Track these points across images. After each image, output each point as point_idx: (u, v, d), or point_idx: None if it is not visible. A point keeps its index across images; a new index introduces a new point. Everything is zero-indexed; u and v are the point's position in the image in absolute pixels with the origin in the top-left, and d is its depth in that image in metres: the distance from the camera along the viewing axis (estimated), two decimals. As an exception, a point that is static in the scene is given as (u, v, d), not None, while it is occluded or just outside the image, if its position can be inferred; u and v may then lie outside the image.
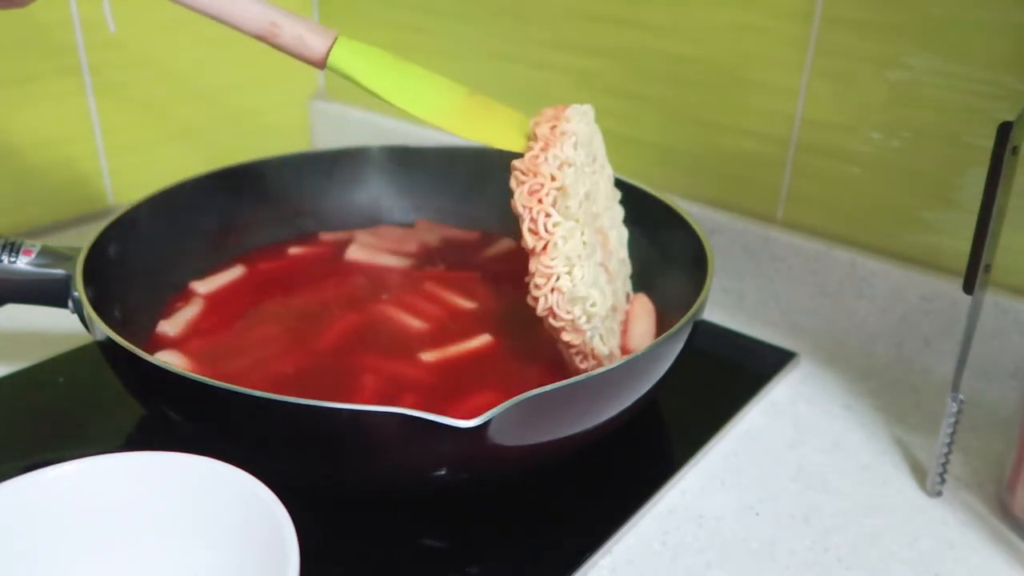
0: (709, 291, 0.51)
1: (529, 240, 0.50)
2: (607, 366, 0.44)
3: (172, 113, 0.84)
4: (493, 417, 0.39)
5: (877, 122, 0.61)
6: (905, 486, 0.52)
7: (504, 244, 0.70)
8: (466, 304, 0.61)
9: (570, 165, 0.50)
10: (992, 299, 0.58)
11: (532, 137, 0.52)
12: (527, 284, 0.50)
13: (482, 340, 0.57)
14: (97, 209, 0.80)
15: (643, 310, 0.58)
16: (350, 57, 0.53)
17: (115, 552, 0.38)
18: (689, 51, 0.68)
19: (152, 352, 0.54)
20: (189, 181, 0.64)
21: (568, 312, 0.49)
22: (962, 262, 0.47)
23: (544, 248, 0.49)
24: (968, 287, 0.47)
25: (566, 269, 0.49)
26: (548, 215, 0.49)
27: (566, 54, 0.75)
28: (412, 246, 0.69)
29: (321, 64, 0.52)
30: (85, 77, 0.76)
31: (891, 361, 0.64)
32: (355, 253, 0.67)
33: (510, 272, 0.64)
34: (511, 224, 0.70)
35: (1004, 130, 0.43)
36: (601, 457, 0.50)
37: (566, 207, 0.50)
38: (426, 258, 0.68)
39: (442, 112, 0.53)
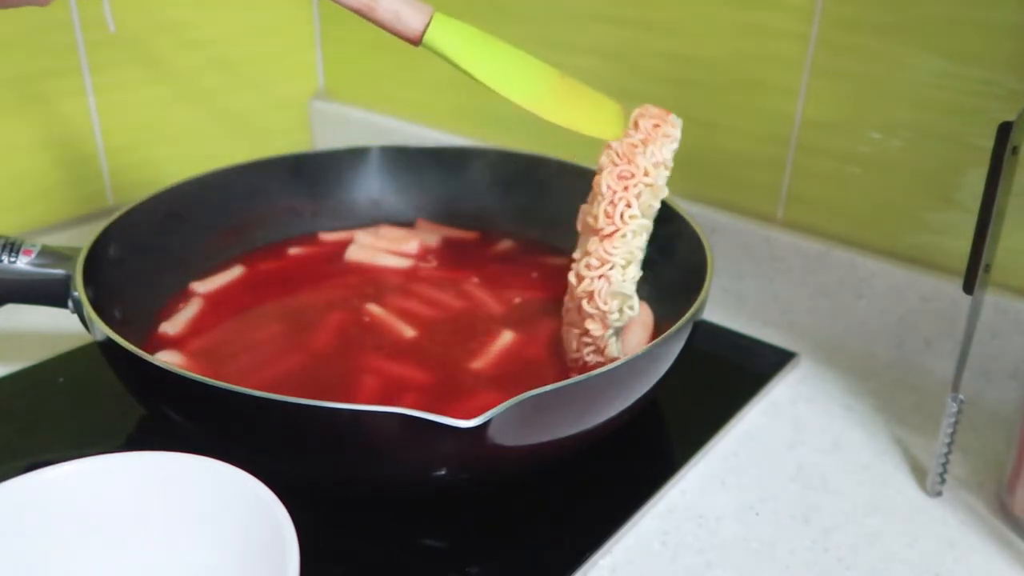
0: (709, 291, 0.51)
1: (602, 220, 0.49)
2: (607, 366, 0.44)
3: (172, 113, 0.84)
4: (493, 417, 0.39)
5: (877, 122, 0.61)
6: (905, 486, 0.52)
7: (504, 244, 0.70)
8: (466, 305, 0.61)
9: (666, 168, 0.50)
10: (992, 299, 0.58)
11: (633, 126, 0.51)
12: (574, 260, 0.50)
13: (506, 339, 0.57)
14: (97, 209, 0.80)
15: (640, 321, 0.58)
16: (446, 35, 0.51)
17: (115, 552, 0.38)
18: (689, 51, 0.68)
19: (152, 352, 0.54)
20: (189, 181, 0.64)
21: (606, 303, 0.49)
22: (962, 262, 0.47)
23: (612, 234, 0.49)
24: (968, 287, 0.47)
25: (623, 262, 0.49)
26: (629, 205, 0.49)
27: (566, 54, 0.75)
28: (412, 246, 0.69)
29: (416, 41, 0.51)
30: (85, 77, 0.76)
31: (891, 361, 0.64)
32: (355, 253, 0.68)
33: (510, 272, 0.64)
34: (511, 224, 0.70)
35: (1004, 130, 0.43)
36: (601, 457, 0.50)
37: (649, 205, 0.50)
38: (426, 258, 0.68)
39: (534, 95, 0.52)
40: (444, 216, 0.73)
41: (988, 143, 0.44)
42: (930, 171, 0.60)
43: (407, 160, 0.73)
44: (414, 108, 0.88)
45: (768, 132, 0.66)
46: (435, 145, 0.74)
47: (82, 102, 0.77)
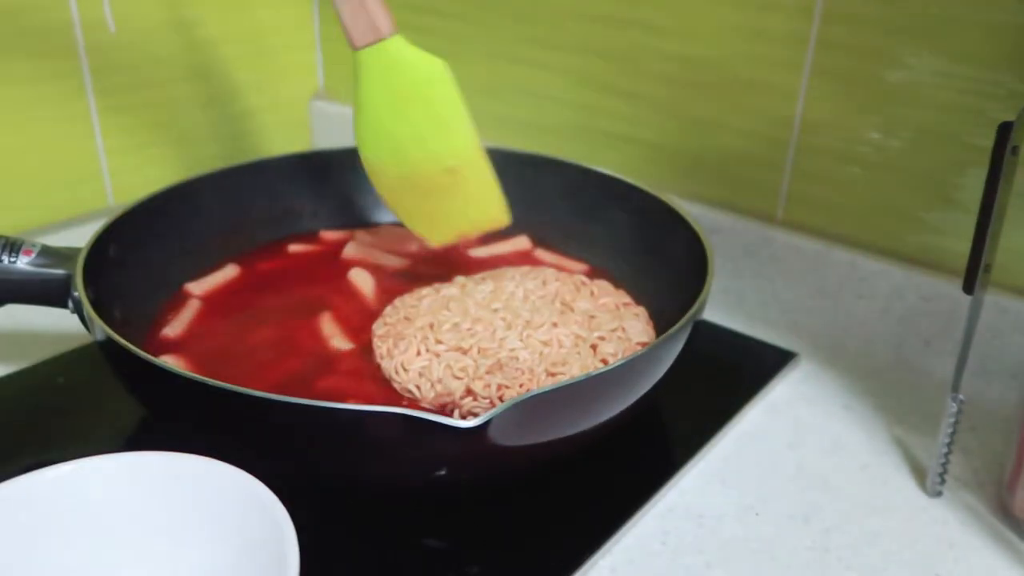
0: (709, 291, 0.51)
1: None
2: (607, 366, 0.44)
3: (172, 113, 0.84)
4: (493, 417, 0.39)
5: (877, 122, 0.61)
6: (905, 486, 0.52)
7: (504, 244, 0.70)
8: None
9: None
10: (992, 299, 0.58)
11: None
12: None
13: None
14: (97, 209, 0.80)
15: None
16: (365, 66, 0.51)
17: (115, 552, 0.38)
18: (689, 51, 0.68)
19: (152, 353, 0.54)
20: (189, 181, 0.64)
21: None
22: (962, 262, 0.47)
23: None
24: (968, 287, 0.47)
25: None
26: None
27: (566, 54, 0.75)
28: (412, 246, 0.69)
29: (353, 48, 0.52)
30: (85, 77, 0.76)
31: (891, 361, 0.64)
32: (352, 251, 0.67)
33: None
34: (510, 224, 0.70)
35: (1004, 130, 0.43)
36: (601, 457, 0.50)
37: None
38: (424, 258, 0.68)
39: (390, 184, 0.53)
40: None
41: (988, 143, 0.44)
42: (930, 171, 0.60)
43: (407, 160, 0.73)
44: (414, 108, 0.88)
45: (768, 132, 0.66)
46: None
47: (82, 102, 0.77)
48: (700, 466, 0.52)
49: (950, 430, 0.49)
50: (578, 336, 0.53)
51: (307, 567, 0.33)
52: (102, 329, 0.45)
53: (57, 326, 0.59)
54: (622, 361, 0.44)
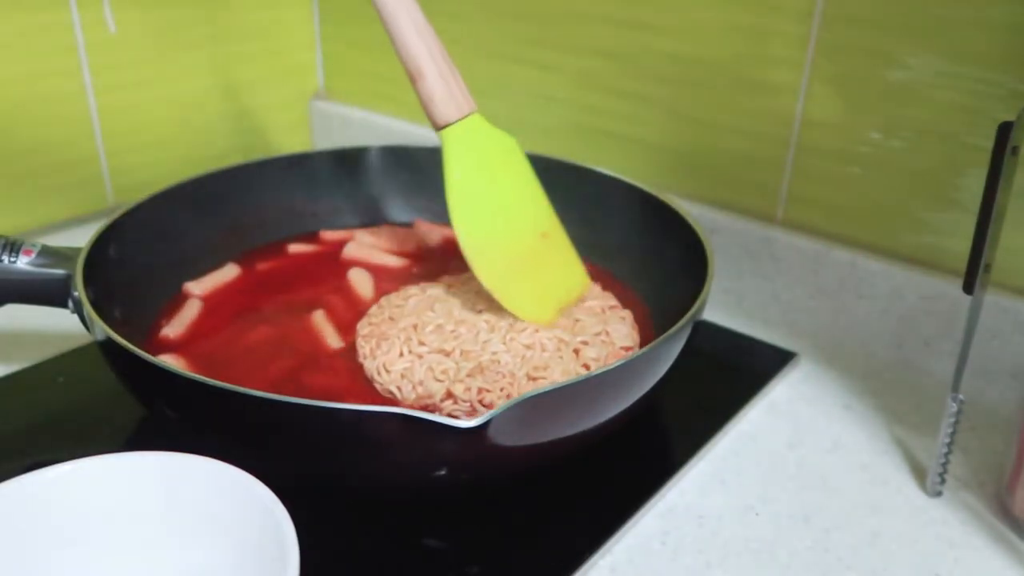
0: (709, 291, 0.51)
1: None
2: (607, 366, 0.44)
3: (172, 113, 0.84)
4: (493, 417, 0.39)
5: (877, 122, 0.61)
6: (905, 486, 0.52)
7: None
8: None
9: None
10: (992, 299, 0.58)
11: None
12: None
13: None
14: (97, 209, 0.80)
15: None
16: (458, 141, 0.54)
17: (115, 552, 0.38)
18: (689, 51, 0.68)
19: (152, 352, 0.54)
20: (189, 181, 0.64)
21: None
22: (962, 262, 0.47)
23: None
24: (968, 287, 0.47)
25: None
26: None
27: (566, 54, 0.75)
28: (411, 246, 0.69)
29: (437, 129, 0.54)
30: (85, 77, 0.76)
31: (891, 361, 0.64)
32: (352, 251, 0.67)
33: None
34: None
35: (1004, 130, 0.43)
36: (602, 456, 0.50)
37: None
38: (424, 257, 0.68)
39: (487, 252, 0.54)
40: (444, 216, 0.72)
41: (988, 143, 0.44)
42: (930, 171, 0.60)
43: (407, 160, 0.73)
44: (414, 108, 0.88)
45: (768, 132, 0.66)
46: (435, 145, 0.73)
47: (82, 103, 0.77)
48: (700, 466, 0.52)
49: (950, 430, 0.49)
50: (561, 340, 0.53)
51: (307, 567, 0.33)
52: (102, 329, 0.45)
53: (57, 326, 0.59)
54: (623, 361, 0.44)
